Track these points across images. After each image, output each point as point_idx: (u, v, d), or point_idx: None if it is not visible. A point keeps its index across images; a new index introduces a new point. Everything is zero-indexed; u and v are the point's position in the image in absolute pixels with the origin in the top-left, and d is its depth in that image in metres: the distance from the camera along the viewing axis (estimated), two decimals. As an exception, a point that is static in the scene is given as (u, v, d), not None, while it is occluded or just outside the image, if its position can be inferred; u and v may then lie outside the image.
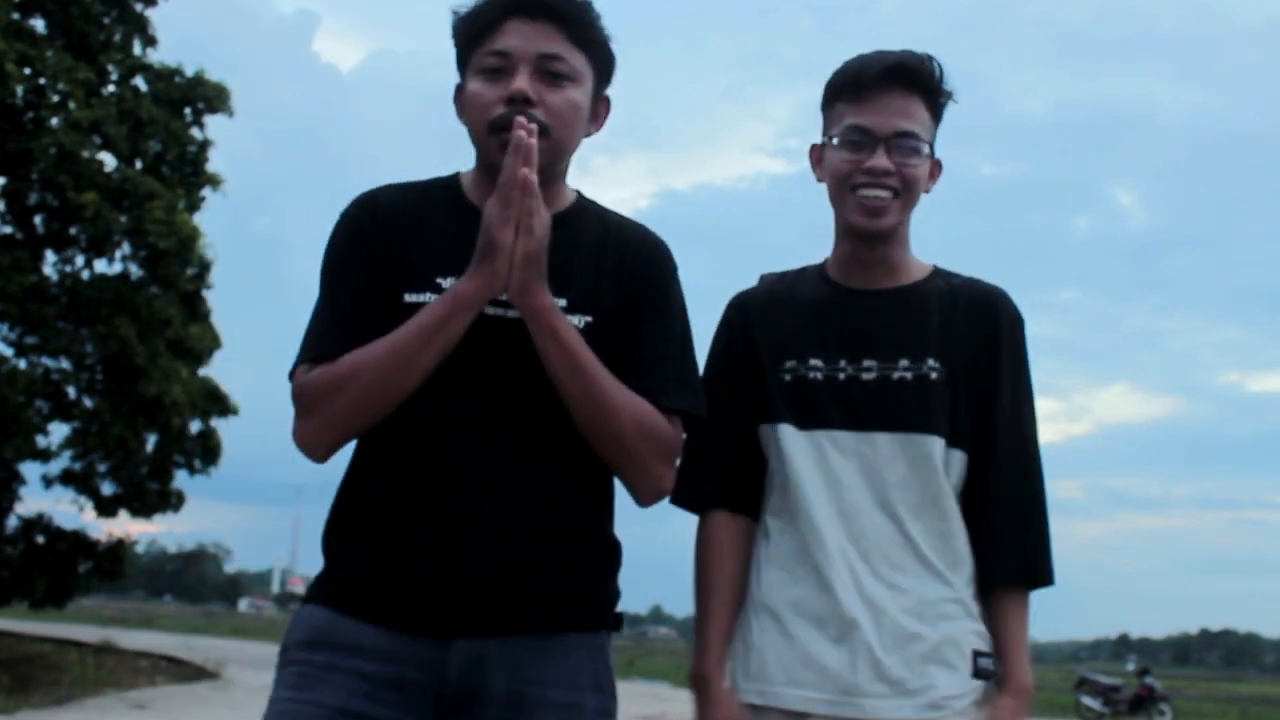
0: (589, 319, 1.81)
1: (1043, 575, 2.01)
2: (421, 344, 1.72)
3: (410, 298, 1.79)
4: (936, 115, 2.06)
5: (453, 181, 1.93)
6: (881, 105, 1.99)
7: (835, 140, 2.03)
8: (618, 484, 1.88)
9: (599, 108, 1.92)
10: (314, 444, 1.80)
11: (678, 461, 1.87)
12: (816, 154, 2.09)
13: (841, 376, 1.98)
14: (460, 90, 1.89)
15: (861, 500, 1.96)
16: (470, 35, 1.85)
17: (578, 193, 1.94)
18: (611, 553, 1.88)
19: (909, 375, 1.97)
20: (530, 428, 1.78)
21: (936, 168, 2.08)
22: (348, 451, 1.88)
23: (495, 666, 1.75)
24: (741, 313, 2.13)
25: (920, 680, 1.90)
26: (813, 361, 2.00)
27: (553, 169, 1.83)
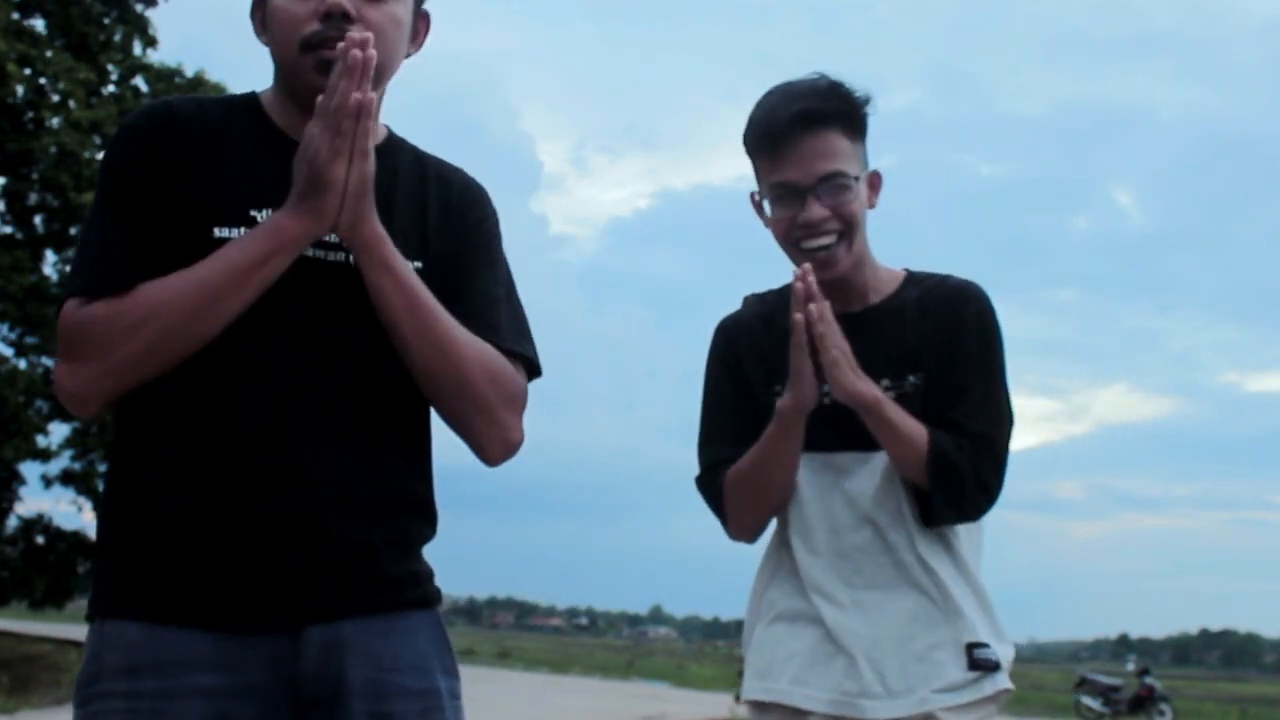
0: (418, 264, 1.62)
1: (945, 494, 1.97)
2: (234, 283, 1.50)
3: (220, 232, 1.55)
4: (858, 133, 2.04)
5: (253, 102, 1.69)
6: (797, 156, 1.98)
7: (766, 200, 2.04)
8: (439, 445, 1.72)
9: (419, 24, 1.73)
10: (90, 392, 1.53)
11: (523, 412, 1.69)
12: (756, 202, 2.08)
13: (826, 400, 1.98)
14: (259, 5, 1.66)
15: (848, 516, 2.03)
16: None
17: (387, 127, 1.75)
18: (432, 523, 1.70)
19: (892, 395, 1.99)
20: (353, 384, 1.58)
21: (876, 180, 2.07)
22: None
23: (353, 653, 1.54)
24: (727, 340, 2.16)
25: (916, 680, 1.98)
26: None
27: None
